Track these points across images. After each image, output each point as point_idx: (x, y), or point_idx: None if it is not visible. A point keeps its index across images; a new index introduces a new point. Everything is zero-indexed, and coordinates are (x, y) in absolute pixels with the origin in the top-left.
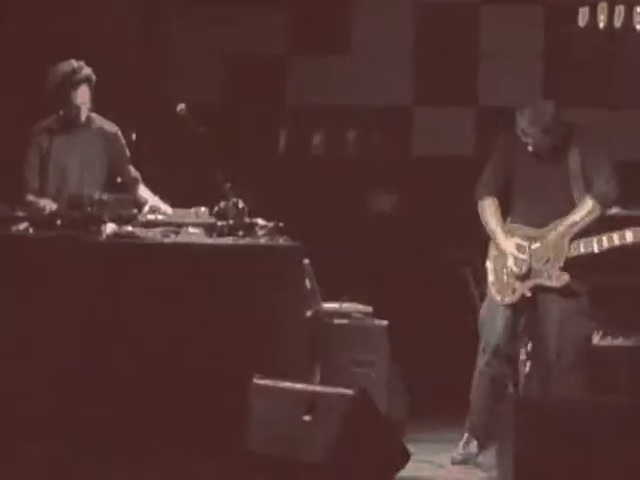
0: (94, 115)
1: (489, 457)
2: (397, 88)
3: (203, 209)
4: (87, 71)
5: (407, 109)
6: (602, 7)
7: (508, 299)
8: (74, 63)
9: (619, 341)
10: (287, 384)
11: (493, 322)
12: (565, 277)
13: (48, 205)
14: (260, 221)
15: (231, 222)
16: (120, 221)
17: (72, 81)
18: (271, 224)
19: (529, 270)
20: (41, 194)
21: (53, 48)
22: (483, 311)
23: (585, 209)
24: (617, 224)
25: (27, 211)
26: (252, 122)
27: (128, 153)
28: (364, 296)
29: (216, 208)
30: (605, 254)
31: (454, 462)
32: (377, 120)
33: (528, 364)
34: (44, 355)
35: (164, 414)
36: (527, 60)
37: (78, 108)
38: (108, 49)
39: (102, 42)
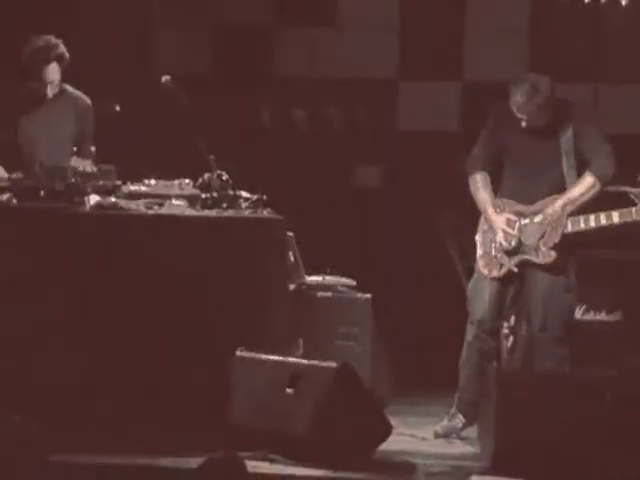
0: (68, 87)
1: (472, 431)
2: (382, 61)
3: (187, 181)
4: (60, 49)
5: (392, 83)
6: None
7: (495, 273)
8: (49, 39)
9: (602, 316)
10: (270, 357)
11: (480, 296)
12: (552, 254)
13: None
14: (244, 193)
15: (215, 194)
16: (104, 192)
17: (44, 57)
18: (255, 197)
19: (518, 245)
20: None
21: (37, 20)
22: (471, 285)
23: (585, 185)
24: (611, 200)
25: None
26: (238, 94)
27: (93, 129)
28: (348, 269)
29: (200, 180)
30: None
31: (437, 435)
32: (362, 93)
33: (511, 338)
34: (27, 327)
35: (148, 385)
36: (513, 35)
37: (46, 85)
38: (94, 20)
39: (88, 13)
